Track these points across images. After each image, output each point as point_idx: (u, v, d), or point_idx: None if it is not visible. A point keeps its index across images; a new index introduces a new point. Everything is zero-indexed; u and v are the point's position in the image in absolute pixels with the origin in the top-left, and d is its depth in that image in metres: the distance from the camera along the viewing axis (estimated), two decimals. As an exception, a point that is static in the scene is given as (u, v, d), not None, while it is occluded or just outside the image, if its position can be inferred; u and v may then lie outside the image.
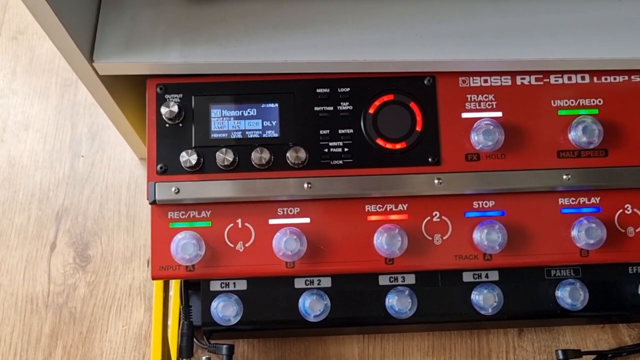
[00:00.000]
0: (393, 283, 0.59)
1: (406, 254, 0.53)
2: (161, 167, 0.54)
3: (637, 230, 0.55)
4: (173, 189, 0.53)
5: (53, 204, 0.70)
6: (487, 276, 0.60)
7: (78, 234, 0.69)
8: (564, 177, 0.54)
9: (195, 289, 0.61)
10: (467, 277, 0.59)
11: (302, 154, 0.53)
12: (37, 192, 0.71)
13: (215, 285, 0.59)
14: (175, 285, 0.62)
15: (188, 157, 0.52)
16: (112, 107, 0.59)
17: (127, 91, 0.59)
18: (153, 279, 0.54)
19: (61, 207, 0.70)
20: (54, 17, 0.45)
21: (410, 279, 0.59)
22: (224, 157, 0.52)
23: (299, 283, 0.59)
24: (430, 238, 0.54)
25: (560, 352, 0.60)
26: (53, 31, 0.47)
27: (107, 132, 0.73)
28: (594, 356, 0.62)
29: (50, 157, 0.72)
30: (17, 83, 0.76)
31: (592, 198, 0.55)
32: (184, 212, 0.54)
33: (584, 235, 0.53)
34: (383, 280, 0.59)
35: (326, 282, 0.59)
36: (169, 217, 0.54)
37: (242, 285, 0.59)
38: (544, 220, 0.55)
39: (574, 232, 0.54)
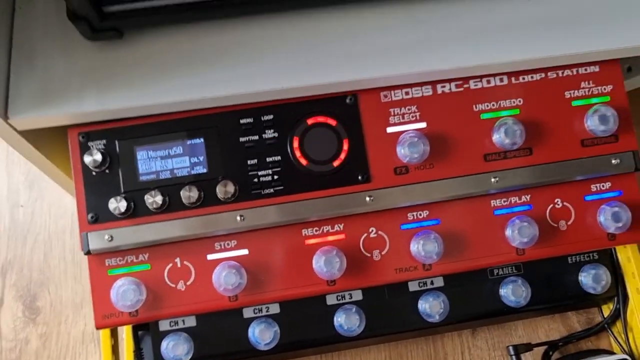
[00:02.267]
0: (340, 301, 0.59)
1: (346, 273, 0.54)
2: (92, 217, 0.53)
3: (568, 223, 0.56)
4: (106, 237, 0.53)
5: (-4, 259, 0.69)
6: (432, 283, 0.61)
7: (25, 286, 0.68)
8: (493, 180, 0.55)
9: (146, 328, 0.60)
10: (413, 286, 0.60)
11: (231, 188, 0.53)
12: (-22, 247, 0.70)
13: (164, 325, 0.58)
14: (126, 328, 0.61)
15: (117, 204, 0.52)
16: (38, 159, 0.58)
17: (51, 141, 0.58)
18: (97, 328, 0.54)
19: (5, 260, 0.69)
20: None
21: (358, 295, 0.60)
22: (153, 199, 0.52)
23: (248, 312, 0.59)
24: (369, 254, 0.55)
25: (511, 348, 0.61)
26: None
27: (44, 179, 0.72)
28: (545, 347, 0.64)
29: (-12, 211, 0.71)
30: (-53, 138, 0.75)
31: (523, 196, 0.56)
32: (120, 258, 0.54)
33: (517, 234, 0.54)
34: (331, 300, 0.59)
35: (274, 309, 0.59)
36: (107, 264, 0.54)
37: (191, 321, 0.58)
38: (478, 224, 0.56)
39: (507, 232, 0.55)
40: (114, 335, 0.59)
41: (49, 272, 0.69)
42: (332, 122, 0.55)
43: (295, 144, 0.54)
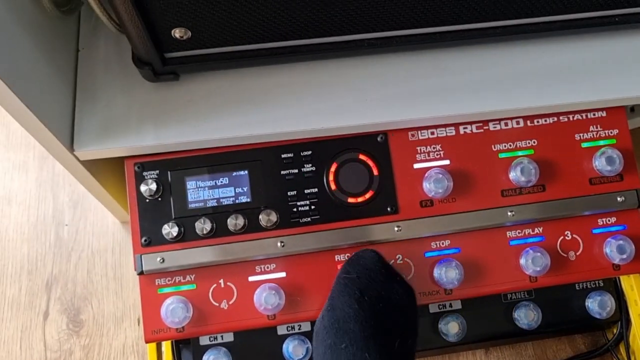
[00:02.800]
0: (367, 321, 0.64)
1: (375, 296, 0.59)
2: (145, 240, 0.58)
3: (577, 253, 0.62)
4: (158, 259, 0.58)
5: (42, 274, 0.74)
6: (451, 305, 0.66)
7: (69, 300, 0.73)
8: (509, 213, 0.60)
9: (186, 342, 0.65)
10: (434, 308, 0.66)
11: (273, 217, 0.58)
12: (26, 263, 0.74)
13: (204, 340, 0.63)
14: (166, 342, 0.66)
15: (170, 230, 0.57)
16: (92, 184, 0.64)
17: (106, 168, 0.63)
18: (146, 342, 0.59)
19: (50, 275, 0.74)
20: (36, 119, 0.50)
21: (382, 316, 0.65)
22: (203, 226, 0.57)
23: (281, 330, 0.64)
24: (396, 279, 0.60)
25: (522, 368, 0.66)
26: (35, 131, 0.52)
27: (87, 200, 0.77)
28: (553, 367, 0.69)
29: (35, 229, 0.76)
30: (-4, 159, 0.80)
31: (536, 229, 0.62)
32: (170, 278, 0.59)
33: (531, 263, 0.60)
34: (358, 320, 0.64)
35: (306, 327, 0.64)
36: (157, 283, 0.59)
37: (229, 337, 0.64)
38: (495, 253, 0.61)
39: (522, 261, 0.61)
40: (159, 349, 0.64)
41: (92, 287, 0.73)
42: (365, 158, 0.60)
43: (331, 177, 0.60)
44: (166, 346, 0.66)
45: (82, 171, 0.60)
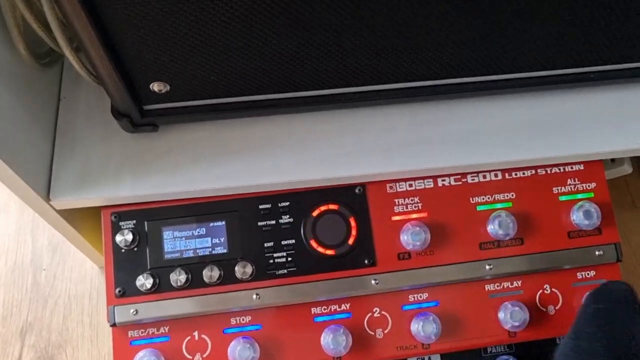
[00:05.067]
0: (344, 375, 0.63)
1: (352, 350, 0.58)
2: (119, 291, 0.57)
3: (556, 307, 0.61)
4: (132, 310, 0.57)
5: (17, 320, 0.73)
6: (429, 358, 0.65)
7: (43, 348, 0.71)
8: (487, 267, 0.60)
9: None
10: (412, 361, 0.65)
11: (249, 268, 0.58)
12: (1, 309, 0.73)
13: (178, 393, 0.62)
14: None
15: (144, 281, 0.57)
16: (69, 232, 0.63)
17: (84, 216, 0.63)
18: (118, 396, 0.58)
19: (25, 322, 0.73)
20: (10, 171, 0.50)
21: (360, 369, 0.64)
22: (177, 278, 0.57)
23: (257, 383, 0.63)
24: (372, 333, 0.59)
25: None
26: (10, 181, 0.51)
27: (67, 244, 0.77)
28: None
29: (12, 273, 0.75)
30: (-23, 201, 0.79)
31: (515, 282, 0.61)
32: (143, 330, 0.58)
33: (509, 318, 0.59)
34: (335, 373, 0.63)
35: (282, 380, 0.63)
36: (129, 336, 0.58)
37: (203, 390, 0.62)
38: (474, 307, 0.61)
39: (500, 316, 0.60)
40: (131, 401, 0.62)
41: (67, 335, 0.72)
42: (343, 210, 0.60)
43: (309, 229, 0.60)
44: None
45: (59, 220, 0.59)
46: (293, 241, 0.59)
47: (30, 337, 0.72)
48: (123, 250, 0.58)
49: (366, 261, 0.59)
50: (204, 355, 0.58)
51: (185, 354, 0.58)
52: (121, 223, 0.59)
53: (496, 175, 0.63)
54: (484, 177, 0.63)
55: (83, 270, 0.76)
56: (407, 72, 0.55)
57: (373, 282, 0.59)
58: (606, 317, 0.51)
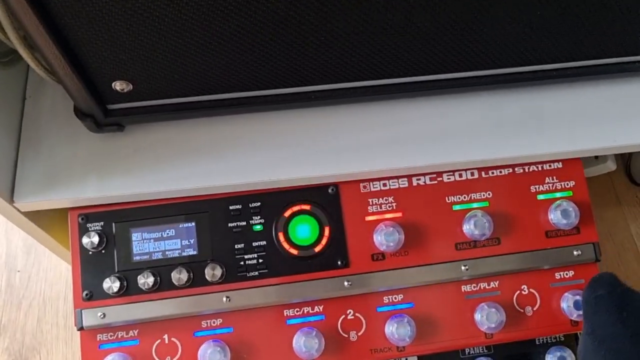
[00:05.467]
0: (319, 377, 0.62)
1: (325, 353, 0.57)
2: (86, 294, 0.56)
3: (534, 308, 0.60)
4: (99, 314, 0.56)
5: (-9, 323, 0.72)
6: (406, 360, 0.64)
7: (17, 350, 0.70)
8: (463, 267, 0.59)
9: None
10: (389, 364, 0.64)
11: (218, 271, 0.56)
12: (-25, 311, 0.72)
13: (149, 397, 0.61)
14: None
15: (111, 284, 0.55)
16: (38, 233, 0.62)
17: (53, 218, 0.62)
18: (86, 401, 0.57)
19: (-1, 324, 0.72)
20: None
21: (335, 371, 0.63)
22: (145, 280, 0.56)
23: (230, 386, 0.62)
24: (346, 335, 0.58)
25: None
26: (-30, 184, 0.50)
27: (41, 245, 0.76)
28: None
29: (-14, 275, 0.74)
30: (-49, 202, 0.78)
31: (492, 283, 0.60)
32: (112, 334, 0.57)
33: (485, 319, 0.58)
34: (309, 376, 0.62)
35: (256, 383, 0.62)
36: (98, 339, 0.57)
37: (175, 394, 0.61)
38: (450, 308, 0.59)
39: (476, 317, 0.59)
40: (102, 405, 0.61)
41: (41, 337, 0.71)
42: (315, 210, 0.59)
43: (280, 230, 0.58)
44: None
45: (26, 222, 0.58)
46: (264, 242, 0.58)
47: (4, 339, 0.71)
48: (90, 253, 0.57)
49: (339, 262, 0.58)
50: (175, 359, 0.57)
51: (155, 357, 0.57)
52: (88, 225, 0.57)
53: (472, 174, 0.61)
54: (460, 176, 0.61)
55: (58, 271, 0.74)
56: (379, 69, 0.54)
57: (346, 283, 0.58)
58: (611, 299, 0.51)
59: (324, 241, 0.59)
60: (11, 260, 0.75)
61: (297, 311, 0.58)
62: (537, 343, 0.65)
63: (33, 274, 0.74)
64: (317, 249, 0.58)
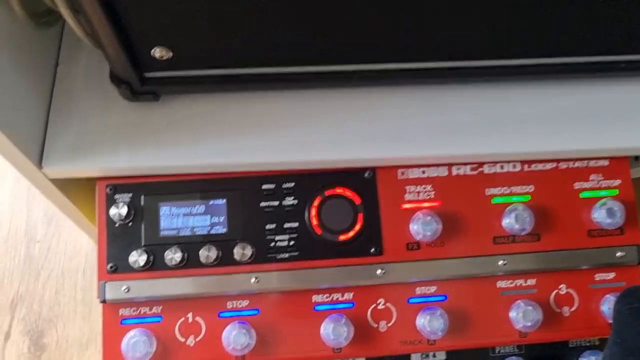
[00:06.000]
0: (344, 367, 0.60)
1: (353, 342, 0.55)
2: (111, 267, 0.55)
3: (571, 309, 0.58)
4: (123, 288, 0.54)
5: (8, 292, 0.70)
6: (434, 355, 0.62)
7: (33, 321, 0.69)
8: (500, 262, 0.57)
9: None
10: (415, 357, 0.61)
11: (248, 251, 0.55)
12: (-8, 279, 0.71)
13: (169, 376, 0.59)
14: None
15: (137, 258, 0.54)
16: (64, 203, 0.60)
17: (80, 188, 0.60)
18: (105, 377, 0.55)
19: (16, 294, 0.70)
20: (1, 135, 0.47)
21: (361, 362, 0.61)
22: (172, 256, 0.54)
23: (252, 371, 0.60)
24: (375, 325, 0.56)
25: None
26: (0, 146, 0.49)
27: (63, 216, 0.74)
28: None
29: (5, 243, 0.73)
30: (-27, 168, 0.77)
31: (529, 280, 0.58)
32: (135, 309, 0.55)
33: (521, 317, 0.56)
34: (334, 364, 0.60)
35: (278, 369, 0.60)
36: (120, 314, 0.55)
37: (195, 375, 0.60)
38: (484, 303, 0.57)
39: (511, 314, 0.57)
40: (119, 382, 0.60)
41: (59, 310, 0.70)
42: (350, 195, 0.57)
43: (313, 212, 0.56)
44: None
45: (53, 190, 0.56)
46: (296, 224, 0.56)
47: (20, 309, 0.70)
48: (117, 225, 0.55)
49: (372, 249, 0.56)
50: (198, 339, 0.55)
51: (178, 336, 0.55)
52: (116, 196, 0.56)
53: (514, 167, 0.59)
54: (502, 167, 0.59)
55: (78, 244, 0.73)
56: (427, 50, 0.52)
57: (379, 271, 0.56)
58: None
59: (357, 227, 0.56)
60: (31, 229, 0.74)
61: (326, 297, 0.56)
62: (571, 346, 0.63)
63: (53, 245, 0.73)
64: (351, 234, 0.56)
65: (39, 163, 0.53)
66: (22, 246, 0.73)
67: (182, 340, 0.55)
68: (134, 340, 0.54)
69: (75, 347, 0.68)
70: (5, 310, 0.70)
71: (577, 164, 0.59)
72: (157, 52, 0.48)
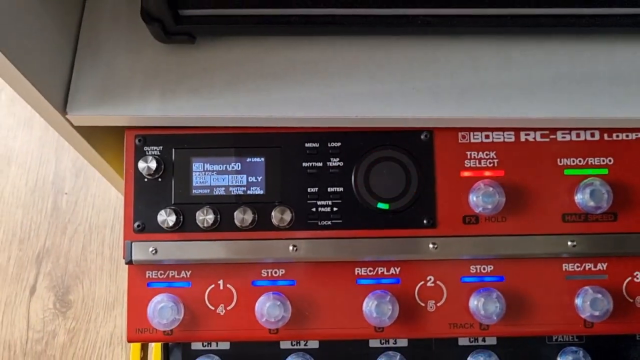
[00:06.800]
0: (384, 345, 0.55)
1: (397, 321, 0.50)
2: (138, 225, 0.50)
3: (646, 300, 0.51)
4: (151, 249, 0.50)
5: (34, 245, 0.67)
6: (484, 340, 0.56)
7: (59, 276, 0.66)
8: (569, 243, 0.50)
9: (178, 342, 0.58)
10: (463, 341, 0.56)
11: (287, 216, 0.49)
12: (19, 231, 0.68)
13: (197, 345, 0.56)
14: (156, 339, 0.59)
15: (166, 217, 0.49)
16: (90, 154, 0.56)
17: (106, 137, 0.56)
18: (129, 341, 0.51)
19: (42, 248, 0.67)
20: (23, 78, 0.42)
21: (403, 342, 0.55)
22: (205, 217, 0.49)
23: (285, 344, 0.55)
24: (423, 304, 0.51)
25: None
26: (23, 90, 0.44)
27: (92, 168, 0.70)
28: None
29: (32, 194, 0.70)
30: (0, 113, 0.73)
31: (599, 265, 0.51)
32: (162, 272, 0.51)
33: (589, 306, 0.50)
34: (374, 343, 0.55)
35: (313, 344, 0.55)
36: (147, 276, 0.51)
37: (224, 345, 0.56)
38: (546, 287, 0.51)
39: (578, 302, 0.50)
40: (144, 347, 0.56)
41: (85, 266, 0.67)
42: (403, 158, 0.51)
43: (361, 176, 0.51)
44: (155, 346, 0.59)
45: (77, 138, 0.52)
46: (341, 189, 0.51)
47: (46, 263, 0.67)
48: (146, 180, 0.51)
49: (425, 221, 0.50)
50: (228, 308, 0.51)
51: (208, 304, 0.51)
52: (146, 148, 0.51)
53: (592, 135, 0.52)
54: (578, 135, 0.52)
55: (107, 198, 0.69)
56: (502, -4, 0.45)
57: (431, 246, 0.50)
58: None
59: (410, 195, 0.51)
60: (59, 181, 0.70)
61: (370, 271, 0.51)
62: (638, 339, 0.57)
63: (80, 198, 0.69)
64: (402, 202, 0.50)
65: (63, 109, 0.48)
66: (49, 198, 0.70)
67: (212, 308, 0.51)
68: (161, 306, 0.50)
69: (102, 305, 0.65)
70: (31, 264, 0.67)
71: (666, 135, 0.52)
72: (194, -14, 0.43)
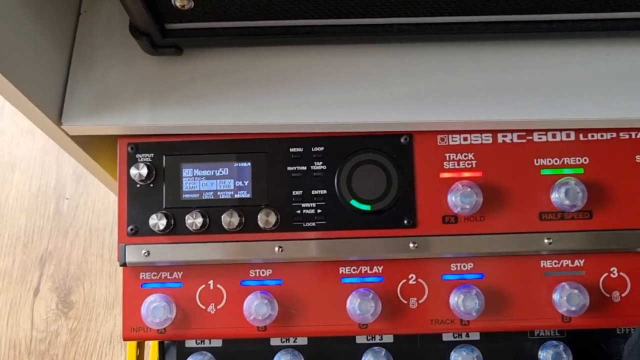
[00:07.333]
0: (370, 342, 0.57)
1: (380, 318, 0.52)
2: (132, 229, 0.53)
3: (623, 294, 0.53)
4: (143, 251, 0.53)
5: (37, 248, 0.70)
6: (467, 335, 0.58)
7: (61, 278, 0.69)
8: (546, 241, 0.52)
9: (173, 340, 0.60)
10: (447, 336, 0.58)
11: (272, 218, 0.52)
12: (22, 235, 0.71)
13: (190, 342, 0.58)
14: (153, 337, 0.61)
15: (157, 221, 0.52)
16: (86, 161, 0.59)
17: (101, 145, 0.58)
18: (125, 339, 0.54)
19: (45, 251, 0.70)
20: (17, 91, 0.45)
21: (389, 338, 0.57)
22: (194, 221, 0.52)
23: (275, 340, 0.58)
24: (405, 302, 0.53)
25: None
26: (18, 102, 0.46)
27: (91, 175, 0.73)
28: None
29: (35, 200, 0.72)
30: (5, 122, 0.76)
31: (576, 261, 0.53)
32: (155, 273, 0.54)
33: (565, 301, 0.51)
34: (360, 339, 0.57)
35: (302, 340, 0.57)
36: (141, 277, 0.54)
37: (217, 342, 0.58)
38: (524, 284, 0.53)
39: (555, 297, 0.52)
40: (140, 345, 0.59)
41: (86, 268, 0.69)
42: (384, 161, 0.53)
43: (343, 179, 0.53)
44: (152, 344, 0.61)
45: (73, 147, 0.55)
46: (325, 191, 0.53)
47: (49, 266, 0.70)
48: (138, 185, 0.53)
49: (406, 221, 0.52)
50: (219, 307, 0.53)
51: (199, 303, 0.53)
52: (138, 155, 0.53)
53: (568, 136, 0.53)
54: (554, 136, 0.53)
55: (106, 202, 0.72)
56: (473, 3, 0.46)
57: (411, 245, 0.52)
58: None
59: (391, 196, 0.52)
60: (60, 187, 0.73)
61: (354, 270, 0.53)
62: (618, 333, 0.58)
63: (81, 203, 0.72)
64: (383, 204, 0.52)
65: (59, 119, 0.51)
66: (51, 203, 0.72)
67: (203, 307, 0.53)
68: (154, 305, 0.52)
69: (102, 305, 0.68)
70: (34, 267, 0.70)
71: (639, 135, 0.53)
72: (178, 1, 0.45)
